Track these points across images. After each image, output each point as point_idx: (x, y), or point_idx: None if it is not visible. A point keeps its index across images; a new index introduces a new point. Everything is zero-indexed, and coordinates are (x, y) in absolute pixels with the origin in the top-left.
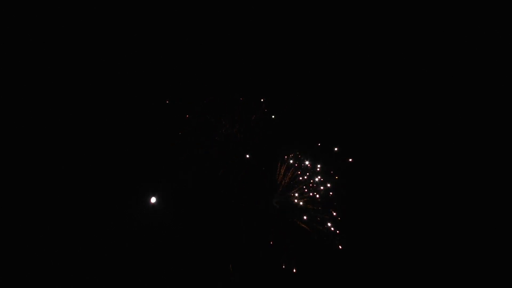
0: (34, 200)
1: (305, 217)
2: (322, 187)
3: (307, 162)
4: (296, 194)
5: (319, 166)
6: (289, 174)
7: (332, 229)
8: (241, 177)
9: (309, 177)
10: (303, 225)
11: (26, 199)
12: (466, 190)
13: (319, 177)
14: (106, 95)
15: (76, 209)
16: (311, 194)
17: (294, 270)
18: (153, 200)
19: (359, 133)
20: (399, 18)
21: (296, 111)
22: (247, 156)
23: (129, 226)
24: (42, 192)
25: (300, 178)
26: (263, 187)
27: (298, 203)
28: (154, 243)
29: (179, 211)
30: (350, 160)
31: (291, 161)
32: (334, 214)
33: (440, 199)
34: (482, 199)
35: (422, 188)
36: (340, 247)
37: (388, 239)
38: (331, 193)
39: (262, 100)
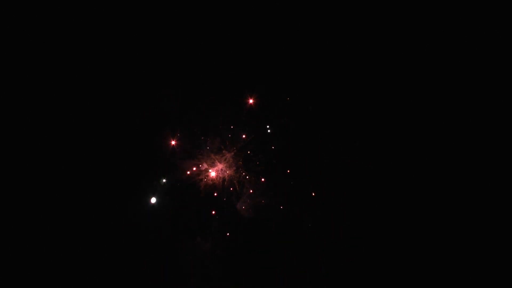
0: (33, 200)
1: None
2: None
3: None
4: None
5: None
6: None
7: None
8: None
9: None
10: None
11: (26, 199)
12: (465, 190)
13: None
14: (106, 95)
15: (75, 209)
16: None
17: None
18: (153, 200)
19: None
20: (400, 18)
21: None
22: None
23: (129, 227)
24: (41, 192)
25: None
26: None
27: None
28: (154, 244)
29: (179, 211)
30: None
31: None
32: None
33: (436, 199)
34: (482, 199)
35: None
36: None
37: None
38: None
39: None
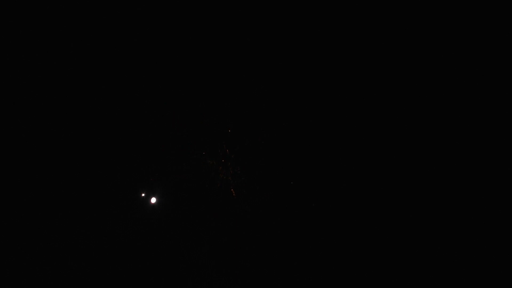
0: (33, 200)
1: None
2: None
3: None
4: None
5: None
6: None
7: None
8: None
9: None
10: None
11: (26, 199)
12: (466, 191)
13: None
14: (106, 95)
15: (76, 209)
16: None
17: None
18: (153, 200)
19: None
20: (399, 18)
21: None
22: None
23: (129, 226)
24: (41, 193)
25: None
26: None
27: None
28: (154, 243)
29: (179, 211)
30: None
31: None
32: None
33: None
34: (482, 199)
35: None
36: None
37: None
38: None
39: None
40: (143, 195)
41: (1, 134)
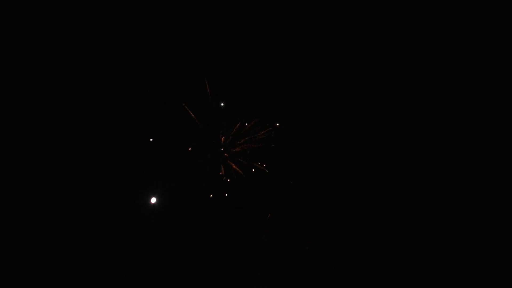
0: (34, 200)
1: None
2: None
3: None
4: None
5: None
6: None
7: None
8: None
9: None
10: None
11: (26, 199)
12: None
13: None
14: (106, 95)
15: (76, 209)
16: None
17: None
18: (153, 200)
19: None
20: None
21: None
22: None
23: (129, 226)
24: (42, 193)
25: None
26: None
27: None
28: (154, 243)
29: (179, 211)
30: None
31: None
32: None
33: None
34: (481, 199)
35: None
36: None
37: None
38: None
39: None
40: (143, 196)
41: (1, 134)
